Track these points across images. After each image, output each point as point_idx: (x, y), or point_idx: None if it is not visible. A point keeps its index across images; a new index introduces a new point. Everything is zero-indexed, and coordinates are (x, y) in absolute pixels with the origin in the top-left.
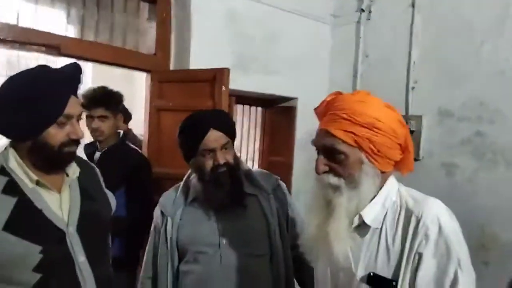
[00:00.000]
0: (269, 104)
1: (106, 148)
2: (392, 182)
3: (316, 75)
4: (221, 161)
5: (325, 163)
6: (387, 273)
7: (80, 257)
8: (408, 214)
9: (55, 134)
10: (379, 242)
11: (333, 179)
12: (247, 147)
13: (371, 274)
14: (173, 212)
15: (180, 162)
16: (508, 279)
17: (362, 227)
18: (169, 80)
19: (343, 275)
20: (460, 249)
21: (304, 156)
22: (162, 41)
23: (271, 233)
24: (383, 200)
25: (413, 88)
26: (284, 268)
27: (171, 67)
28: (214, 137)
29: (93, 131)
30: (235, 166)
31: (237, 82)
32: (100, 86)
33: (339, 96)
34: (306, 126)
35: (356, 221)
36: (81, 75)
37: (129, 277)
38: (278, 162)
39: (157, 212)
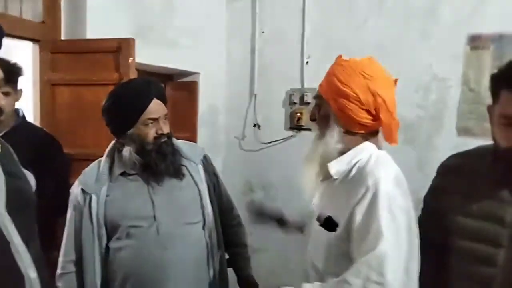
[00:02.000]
0: (169, 79)
1: (8, 129)
2: (367, 146)
3: (215, 50)
4: (165, 130)
5: (313, 112)
6: (335, 217)
7: (15, 238)
8: (363, 174)
9: None
10: (338, 192)
11: (314, 127)
12: None
13: (327, 217)
14: (98, 189)
15: (81, 141)
16: None
17: (330, 178)
18: (64, 51)
19: (312, 215)
20: (387, 215)
21: (207, 132)
22: (52, 7)
23: (202, 201)
24: (350, 159)
25: (307, 62)
26: (216, 234)
27: (62, 37)
28: (157, 106)
29: None
30: (172, 137)
31: (137, 54)
32: None
33: (338, 59)
34: (207, 101)
35: (326, 171)
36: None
37: None
38: (181, 138)
39: (75, 191)
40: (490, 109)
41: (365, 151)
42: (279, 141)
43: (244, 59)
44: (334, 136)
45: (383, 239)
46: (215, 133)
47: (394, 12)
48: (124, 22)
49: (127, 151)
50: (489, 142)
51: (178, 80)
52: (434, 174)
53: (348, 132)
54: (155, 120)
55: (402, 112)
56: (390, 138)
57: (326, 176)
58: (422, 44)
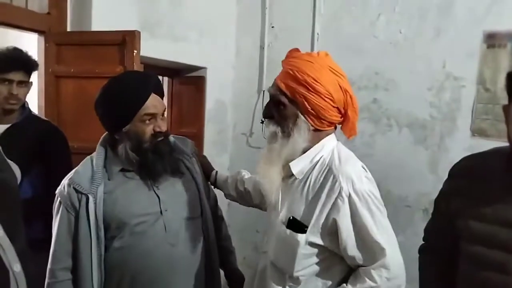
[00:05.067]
0: (176, 74)
1: (15, 121)
2: (327, 142)
3: (223, 45)
4: (163, 128)
5: (269, 109)
6: (302, 218)
7: None
8: (330, 173)
9: None
10: (302, 192)
11: (272, 126)
12: None
13: (291, 218)
14: (94, 188)
15: (84, 135)
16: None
17: (293, 177)
18: (69, 43)
19: (273, 216)
20: (372, 221)
21: (214, 127)
22: None
23: (201, 194)
24: (313, 156)
25: None
26: (211, 226)
27: (68, 29)
28: (156, 101)
29: (9, 98)
30: (169, 135)
31: (144, 48)
32: (14, 47)
33: (295, 52)
34: (215, 96)
35: (287, 170)
36: None
37: None
38: (188, 134)
39: (66, 192)
40: (506, 109)
41: (326, 147)
42: None
43: (253, 54)
44: (302, 134)
45: (384, 251)
46: (222, 130)
47: (408, 8)
48: (131, 15)
49: (122, 148)
50: (504, 144)
51: (185, 75)
52: (446, 176)
53: (315, 129)
54: (153, 116)
55: (414, 112)
56: (350, 132)
57: (285, 175)
58: (436, 41)
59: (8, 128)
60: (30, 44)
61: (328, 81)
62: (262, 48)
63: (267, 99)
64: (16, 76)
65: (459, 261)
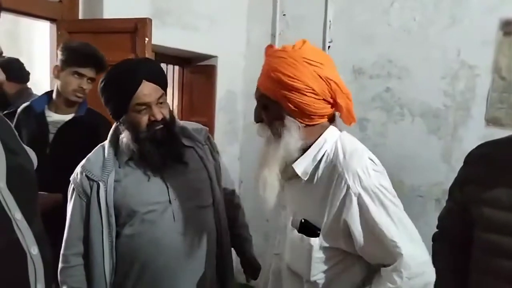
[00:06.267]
0: (187, 63)
1: (76, 114)
2: (328, 135)
3: (234, 34)
4: (158, 117)
5: (258, 113)
6: (314, 221)
7: (17, 214)
8: (335, 170)
9: None
10: (310, 192)
11: (263, 130)
12: None
13: (302, 220)
14: (105, 176)
15: None
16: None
17: (298, 178)
18: (81, 31)
19: (284, 215)
20: (386, 219)
21: (225, 117)
22: None
23: (213, 183)
24: (315, 153)
25: (329, 47)
26: (224, 215)
27: (80, 16)
28: (148, 89)
29: (77, 91)
30: (171, 122)
31: (155, 36)
32: (89, 44)
33: (269, 50)
34: (226, 85)
35: (292, 172)
36: None
37: None
38: (199, 123)
39: (79, 179)
40: None
41: (328, 141)
42: None
43: (264, 43)
44: (293, 134)
45: (401, 250)
46: (233, 119)
47: None
48: (142, 3)
49: (124, 137)
50: None
51: (196, 64)
52: (460, 165)
53: (307, 125)
54: (147, 105)
55: (427, 100)
56: (349, 120)
57: (290, 176)
58: (450, 29)
59: (69, 120)
60: (41, 32)
61: (305, 74)
62: (273, 36)
63: None
64: (89, 72)
65: (473, 249)
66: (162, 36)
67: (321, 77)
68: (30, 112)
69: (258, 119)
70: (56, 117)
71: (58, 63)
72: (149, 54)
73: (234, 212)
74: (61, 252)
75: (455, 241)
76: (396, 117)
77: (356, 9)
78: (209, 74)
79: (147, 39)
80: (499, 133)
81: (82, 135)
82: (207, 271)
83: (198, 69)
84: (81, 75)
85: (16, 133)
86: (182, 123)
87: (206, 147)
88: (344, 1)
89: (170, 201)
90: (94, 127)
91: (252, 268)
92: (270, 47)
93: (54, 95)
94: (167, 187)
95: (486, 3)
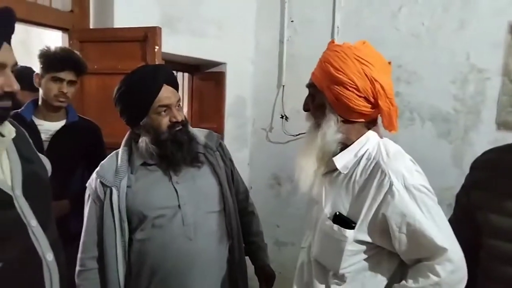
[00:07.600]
0: (196, 70)
1: (66, 122)
2: (370, 135)
3: (243, 40)
4: (179, 118)
5: (306, 102)
6: (349, 214)
7: (32, 221)
8: (378, 167)
9: None
10: (347, 187)
11: (308, 118)
12: None
13: (337, 213)
14: (117, 182)
15: (108, 130)
16: None
17: (337, 171)
18: (92, 40)
19: (316, 210)
20: (428, 218)
21: (234, 123)
22: None
23: (223, 188)
24: (357, 150)
25: None
26: (236, 222)
27: (91, 26)
28: (168, 92)
29: (59, 96)
30: (188, 125)
31: (165, 44)
32: (66, 48)
33: (331, 44)
34: (235, 92)
35: (331, 165)
36: (14, 21)
37: None
38: (209, 129)
39: (94, 184)
40: None
41: (371, 141)
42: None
43: (272, 49)
44: (331, 126)
45: (445, 244)
46: (242, 125)
47: None
48: (152, 12)
49: (143, 141)
50: None
51: (205, 71)
52: None
53: (346, 121)
54: (168, 107)
55: (437, 105)
56: (390, 126)
57: (329, 169)
58: (459, 33)
59: (62, 127)
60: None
61: (352, 69)
62: (281, 42)
63: (286, 93)
64: (67, 75)
65: (480, 255)
66: (171, 44)
67: (367, 76)
68: (21, 121)
69: (305, 107)
70: (47, 125)
71: (38, 71)
72: (159, 62)
73: (247, 219)
74: (78, 255)
75: (462, 247)
76: (406, 122)
77: (364, 14)
78: (218, 81)
79: (157, 47)
80: (510, 137)
81: (77, 142)
82: (218, 277)
83: (207, 76)
84: (60, 80)
85: (31, 141)
86: (194, 130)
87: (217, 153)
88: (352, 6)
89: (179, 206)
90: (88, 134)
91: (266, 276)
92: (332, 42)
93: (39, 103)
94: (177, 192)
95: (495, 6)
